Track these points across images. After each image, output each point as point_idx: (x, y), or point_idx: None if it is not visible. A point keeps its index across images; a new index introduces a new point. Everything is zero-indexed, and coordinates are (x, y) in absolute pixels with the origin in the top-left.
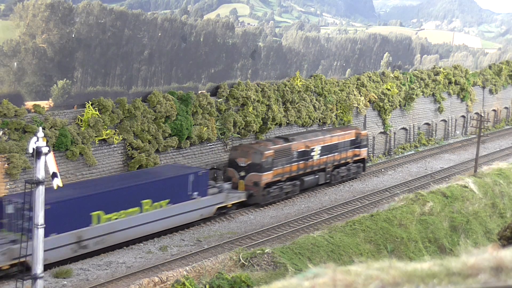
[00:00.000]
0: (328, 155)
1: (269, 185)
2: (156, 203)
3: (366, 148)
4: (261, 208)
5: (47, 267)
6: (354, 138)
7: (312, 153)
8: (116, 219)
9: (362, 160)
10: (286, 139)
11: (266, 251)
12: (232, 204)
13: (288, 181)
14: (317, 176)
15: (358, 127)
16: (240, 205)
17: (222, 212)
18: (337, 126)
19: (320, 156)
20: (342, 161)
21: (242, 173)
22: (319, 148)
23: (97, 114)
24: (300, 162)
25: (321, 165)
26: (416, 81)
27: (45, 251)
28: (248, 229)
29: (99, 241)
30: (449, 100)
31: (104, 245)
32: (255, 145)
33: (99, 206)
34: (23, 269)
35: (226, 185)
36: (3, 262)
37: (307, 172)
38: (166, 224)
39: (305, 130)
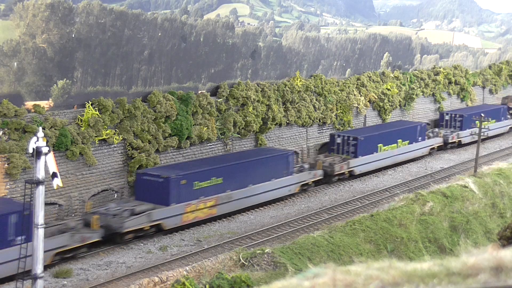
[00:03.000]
0: None
1: None
2: None
3: None
4: (261, 208)
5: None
6: None
7: None
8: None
9: None
10: None
11: (266, 251)
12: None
13: None
14: None
15: None
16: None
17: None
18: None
19: None
20: None
21: (511, 111)
22: None
23: (97, 114)
24: None
25: None
26: (416, 81)
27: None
28: (248, 229)
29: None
30: (449, 100)
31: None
32: None
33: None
34: (24, 270)
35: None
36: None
37: None
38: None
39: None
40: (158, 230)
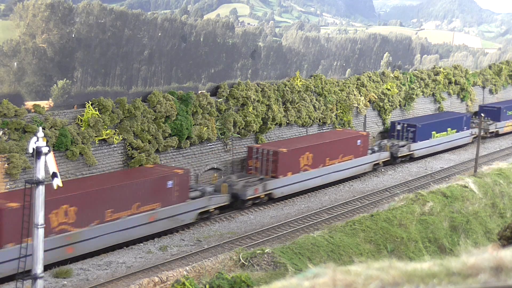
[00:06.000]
0: None
1: None
2: None
3: None
4: (261, 208)
5: None
6: None
7: None
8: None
9: None
10: None
11: (266, 251)
12: None
13: None
14: None
15: None
16: None
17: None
18: (336, 126)
19: None
20: None
21: None
22: None
23: (97, 114)
24: None
25: None
26: (416, 81)
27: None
28: (248, 229)
29: None
30: (449, 100)
31: None
32: None
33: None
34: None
35: None
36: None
37: None
38: None
39: None
40: (496, 135)
